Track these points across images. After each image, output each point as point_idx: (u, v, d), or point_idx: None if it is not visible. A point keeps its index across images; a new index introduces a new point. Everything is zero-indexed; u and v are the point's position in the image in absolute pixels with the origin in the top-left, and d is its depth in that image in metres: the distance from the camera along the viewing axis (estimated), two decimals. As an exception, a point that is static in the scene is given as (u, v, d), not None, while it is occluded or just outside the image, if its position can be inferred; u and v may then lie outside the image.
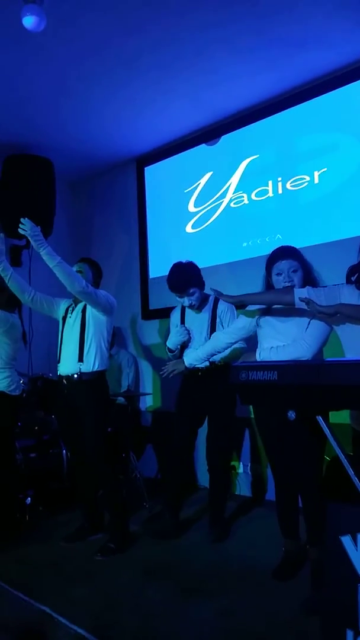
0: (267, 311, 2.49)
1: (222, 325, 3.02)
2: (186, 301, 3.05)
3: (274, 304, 2.42)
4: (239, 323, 2.64)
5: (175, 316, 3.23)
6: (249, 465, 3.87)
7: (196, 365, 2.86)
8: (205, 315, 3.09)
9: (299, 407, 1.59)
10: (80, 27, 2.90)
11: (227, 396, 3.00)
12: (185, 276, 3.01)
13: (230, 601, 2.28)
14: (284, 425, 2.24)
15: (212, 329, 3.02)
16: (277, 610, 2.18)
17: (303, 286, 2.35)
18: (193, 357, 2.81)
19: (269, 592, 2.34)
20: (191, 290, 3.01)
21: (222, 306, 3.05)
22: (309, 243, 3.38)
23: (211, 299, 3.10)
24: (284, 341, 2.39)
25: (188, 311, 3.15)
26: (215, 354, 2.79)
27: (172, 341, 3.11)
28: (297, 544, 2.58)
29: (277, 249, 2.50)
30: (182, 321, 3.16)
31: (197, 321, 3.10)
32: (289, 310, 2.31)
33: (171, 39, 3.04)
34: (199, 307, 3.10)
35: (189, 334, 3.08)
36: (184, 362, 2.85)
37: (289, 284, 2.37)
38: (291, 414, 1.58)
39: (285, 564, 2.53)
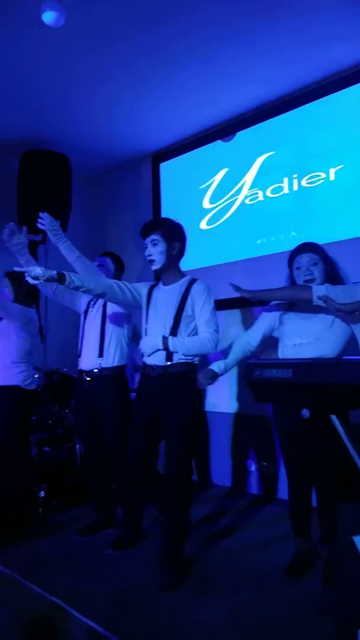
0: (291, 308, 2.48)
1: (193, 309, 2.50)
2: (147, 251, 2.54)
3: (292, 299, 2.42)
4: (263, 319, 2.59)
5: (140, 286, 2.65)
6: (260, 463, 3.85)
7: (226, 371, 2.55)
8: (174, 291, 2.56)
9: (314, 405, 1.59)
10: (94, 20, 2.87)
11: (183, 399, 2.50)
12: (161, 221, 2.68)
13: (241, 600, 2.27)
14: (301, 423, 2.23)
15: (181, 308, 2.50)
16: (288, 610, 2.17)
17: (326, 279, 2.35)
18: (219, 367, 2.50)
19: (280, 592, 2.33)
20: (155, 237, 2.51)
21: (197, 286, 2.53)
22: (324, 241, 3.30)
23: (186, 279, 2.59)
24: (307, 339, 2.38)
25: (157, 290, 2.64)
26: (243, 358, 2.56)
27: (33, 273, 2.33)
28: (309, 543, 2.57)
29: (299, 244, 2.52)
30: (148, 299, 2.62)
31: (165, 298, 2.57)
32: (313, 308, 2.29)
33: (184, 33, 3.01)
34: (163, 275, 2.61)
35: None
36: (213, 370, 2.50)
37: (309, 277, 2.38)
38: (305, 412, 1.57)
39: (297, 563, 2.52)
